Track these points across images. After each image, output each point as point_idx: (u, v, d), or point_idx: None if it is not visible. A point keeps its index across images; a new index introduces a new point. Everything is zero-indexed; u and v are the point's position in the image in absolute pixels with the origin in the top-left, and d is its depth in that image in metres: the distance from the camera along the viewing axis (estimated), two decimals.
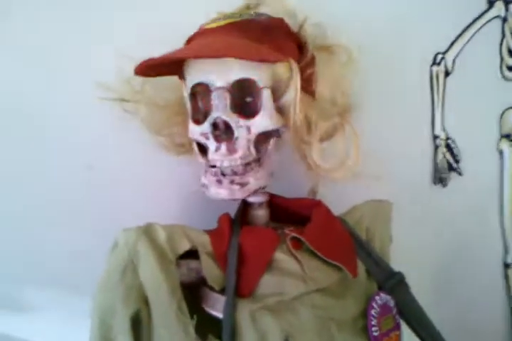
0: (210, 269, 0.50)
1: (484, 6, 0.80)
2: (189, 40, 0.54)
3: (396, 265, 0.58)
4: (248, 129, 0.51)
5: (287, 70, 0.52)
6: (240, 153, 0.51)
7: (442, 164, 0.79)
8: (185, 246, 0.50)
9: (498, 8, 0.81)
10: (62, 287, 0.61)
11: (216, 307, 0.49)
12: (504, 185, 0.83)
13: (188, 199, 0.63)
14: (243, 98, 0.51)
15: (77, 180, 0.61)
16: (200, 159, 0.54)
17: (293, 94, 0.51)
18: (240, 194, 0.51)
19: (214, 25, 0.52)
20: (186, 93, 0.54)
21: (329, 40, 0.57)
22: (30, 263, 0.61)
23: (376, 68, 0.71)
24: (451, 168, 0.79)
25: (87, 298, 0.48)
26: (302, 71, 0.52)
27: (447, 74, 0.78)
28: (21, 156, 0.60)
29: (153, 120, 0.57)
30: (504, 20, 0.81)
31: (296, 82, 0.51)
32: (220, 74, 0.50)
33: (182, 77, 0.54)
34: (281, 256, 0.51)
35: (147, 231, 0.49)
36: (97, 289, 0.48)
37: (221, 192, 0.51)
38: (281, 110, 0.53)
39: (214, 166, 0.52)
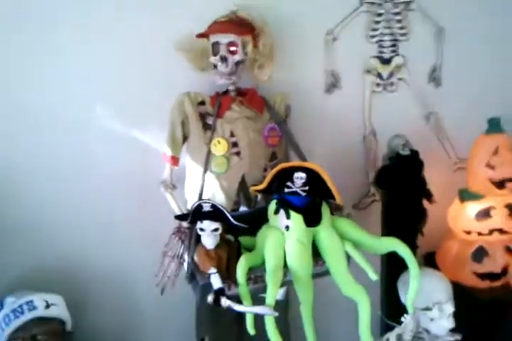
0: (209, 108, 1.42)
1: (358, 3, 1.61)
2: (213, 24, 1.41)
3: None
4: (233, 59, 1.39)
5: (249, 39, 1.40)
6: (229, 68, 1.39)
7: (329, 82, 1.64)
8: (200, 99, 1.42)
9: (366, 6, 1.61)
10: None
11: (210, 119, 1.40)
12: (365, 99, 1.68)
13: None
14: (231, 47, 1.39)
15: None
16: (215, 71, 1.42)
17: (249, 48, 1.39)
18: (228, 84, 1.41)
19: (222, 20, 1.40)
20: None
21: (264, 24, 1.44)
22: None
23: (291, 36, 1.57)
24: (334, 87, 1.65)
25: None
26: (256, 37, 1.39)
27: (334, 39, 1.61)
28: None
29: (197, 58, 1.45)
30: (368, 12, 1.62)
31: (249, 43, 1.39)
32: (224, 38, 1.38)
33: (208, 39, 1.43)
34: (234, 106, 1.41)
35: (187, 94, 1.41)
36: (170, 114, 1.42)
37: (222, 81, 1.41)
38: (246, 53, 1.40)
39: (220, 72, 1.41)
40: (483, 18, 1.66)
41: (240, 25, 1.40)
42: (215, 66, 1.40)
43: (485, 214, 1.44)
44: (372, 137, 1.70)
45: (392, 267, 1.38)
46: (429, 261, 1.60)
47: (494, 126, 1.44)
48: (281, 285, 1.21)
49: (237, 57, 1.39)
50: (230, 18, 1.39)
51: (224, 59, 1.37)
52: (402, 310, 1.35)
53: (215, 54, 1.39)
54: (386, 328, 1.45)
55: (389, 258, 1.33)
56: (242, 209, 1.43)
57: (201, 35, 1.39)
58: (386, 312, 1.51)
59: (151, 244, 1.40)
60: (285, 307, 1.48)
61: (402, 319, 1.38)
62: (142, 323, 1.68)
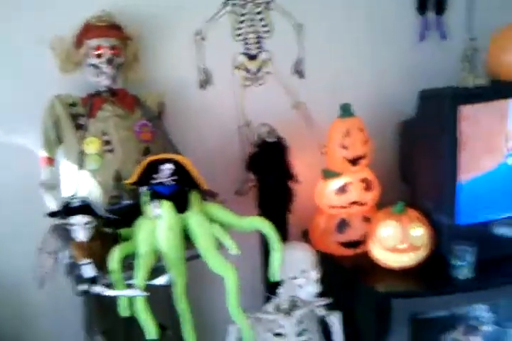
0: (81, 109, 1.49)
1: (222, 5, 1.74)
2: (93, 28, 1.48)
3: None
4: (116, 61, 1.48)
5: (128, 42, 1.50)
6: (115, 70, 1.48)
7: (202, 79, 1.76)
8: (71, 100, 1.48)
9: (230, 7, 1.74)
10: None
11: (82, 120, 1.48)
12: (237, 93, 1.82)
13: None
14: (114, 50, 1.47)
15: None
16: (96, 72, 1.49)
17: (128, 50, 1.51)
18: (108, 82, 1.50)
19: (101, 24, 1.46)
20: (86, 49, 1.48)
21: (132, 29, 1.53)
22: None
23: (162, 37, 1.67)
24: (207, 83, 1.77)
25: None
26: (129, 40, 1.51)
27: (203, 39, 1.73)
28: None
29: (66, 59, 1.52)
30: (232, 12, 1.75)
31: (128, 46, 1.50)
32: (106, 42, 1.45)
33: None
34: (106, 106, 1.50)
35: (58, 96, 1.47)
36: (42, 117, 1.47)
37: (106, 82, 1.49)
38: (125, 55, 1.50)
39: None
40: (336, 14, 1.83)
41: (118, 28, 1.50)
42: (96, 68, 1.47)
43: (343, 189, 1.61)
44: (246, 127, 1.84)
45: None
46: (305, 236, 1.77)
47: (345, 111, 1.61)
48: (156, 270, 1.32)
49: (120, 60, 1.49)
50: (107, 21, 1.48)
51: (110, 61, 1.45)
52: (279, 282, 1.51)
53: (98, 56, 1.46)
54: (267, 300, 1.59)
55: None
56: (126, 202, 1.51)
57: (81, 39, 1.47)
58: (266, 286, 1.66)
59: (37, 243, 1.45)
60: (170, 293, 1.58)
61: (278, 290, 1.53)
62: (34, 321, 1.73)
